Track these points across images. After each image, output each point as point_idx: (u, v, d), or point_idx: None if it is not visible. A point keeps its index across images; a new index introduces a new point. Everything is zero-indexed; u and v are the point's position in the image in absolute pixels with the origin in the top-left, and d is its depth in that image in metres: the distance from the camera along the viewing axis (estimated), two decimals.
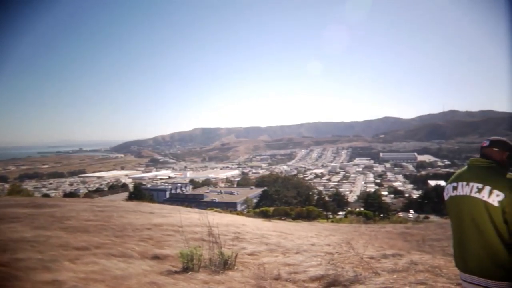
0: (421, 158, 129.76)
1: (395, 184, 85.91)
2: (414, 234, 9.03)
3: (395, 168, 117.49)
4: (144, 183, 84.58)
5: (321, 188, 76.96)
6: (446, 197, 1.87)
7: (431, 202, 41.37)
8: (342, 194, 57.78)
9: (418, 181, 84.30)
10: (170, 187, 68.48)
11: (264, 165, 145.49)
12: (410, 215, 34.46)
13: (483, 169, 1.75)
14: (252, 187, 71.51)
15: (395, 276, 3.48)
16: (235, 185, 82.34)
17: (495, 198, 1.61)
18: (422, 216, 32.17)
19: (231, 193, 62.48)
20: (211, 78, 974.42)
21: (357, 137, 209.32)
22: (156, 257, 4.04)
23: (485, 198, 1.64)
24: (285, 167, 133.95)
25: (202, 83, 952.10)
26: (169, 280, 3.18)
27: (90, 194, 57.57)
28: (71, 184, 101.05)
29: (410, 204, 47.63)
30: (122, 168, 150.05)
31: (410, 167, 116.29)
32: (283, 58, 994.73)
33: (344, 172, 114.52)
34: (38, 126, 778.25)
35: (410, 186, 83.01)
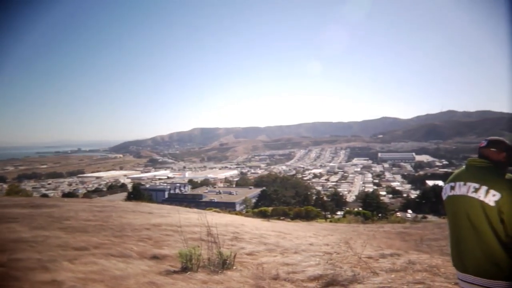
0: (419, 158, 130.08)
1: (393, 184, 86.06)
2: (412, 233, 9.07)
3: (393, 168, 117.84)
4: (143, 183, 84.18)
5: (319, 188, 76.98)
6: (444, 197, 1.89)
7: (429, 202, 41.51)
8: (341, 194, 57.68)
9: (416, 181, 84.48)
10: (169, 187, 68.22)
11: (262, 165, 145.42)
12: (408, 215, 34.67)
13: (481, 169, 1.76)
14: (250, 187, 71.46)
15: (393, 275, 3.50)
16: (234, 185, 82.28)
17: (491, 198, 1.62)
18: (420, 216, 32.40)
19: (230, 193, 62.49)
20: (210, 78, 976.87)
21: (355, 137, 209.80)
22: (155, 257, 4.04)
23: (482, 198, 1.65)
24: (284, 167, 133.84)
25: (201, 83, 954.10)
26: (168, 280, 3.19)
27: (89, 194, 57.53)
28: (69, 184, 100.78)
29: (408, 204, 47.94)
30: (121, 168, 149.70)
31: (408, 167, 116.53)
32: (282, 58, 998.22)
33: (342, 172, 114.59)
34: (37, 126, 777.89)
35: (408, 186, 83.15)
